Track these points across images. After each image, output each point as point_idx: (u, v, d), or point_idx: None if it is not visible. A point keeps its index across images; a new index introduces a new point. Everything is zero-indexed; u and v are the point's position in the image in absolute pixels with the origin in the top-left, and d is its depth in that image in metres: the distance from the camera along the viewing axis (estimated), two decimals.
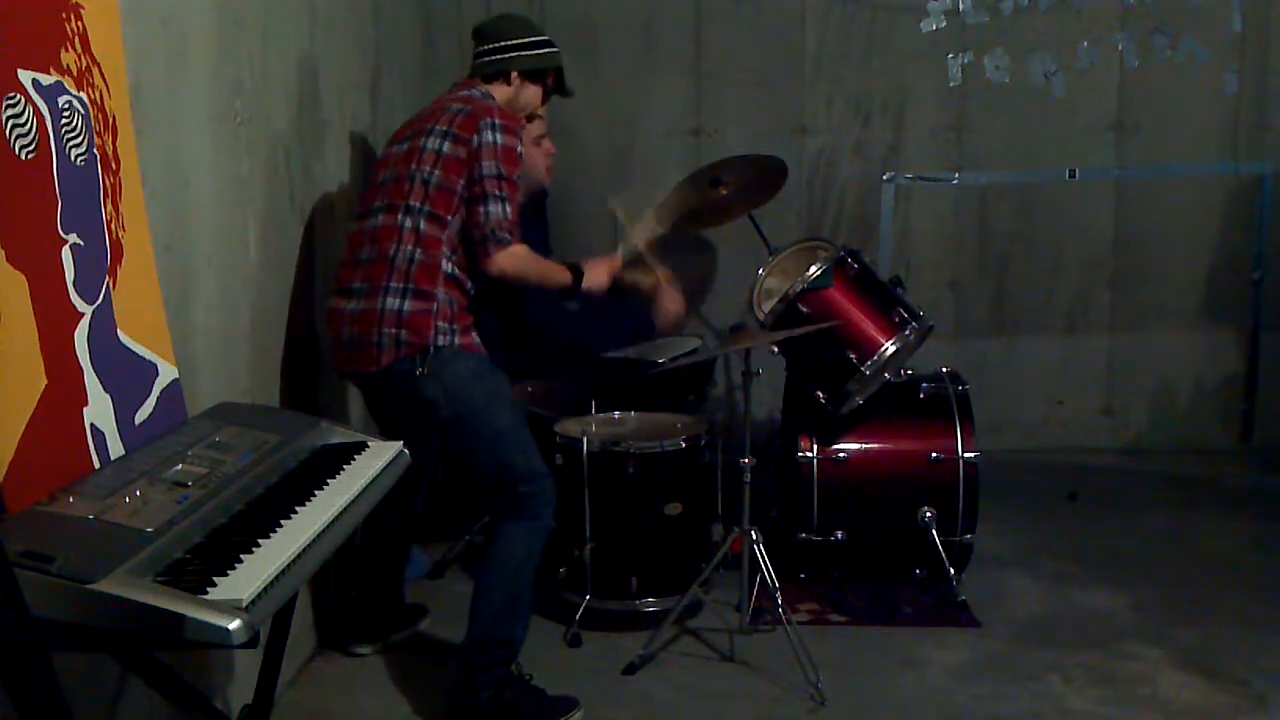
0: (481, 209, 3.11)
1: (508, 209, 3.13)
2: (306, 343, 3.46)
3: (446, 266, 3.12)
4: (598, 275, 3.43)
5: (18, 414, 1.86)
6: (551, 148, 4.02)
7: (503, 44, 3.40)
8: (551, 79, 3.49)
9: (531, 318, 4.03)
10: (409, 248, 3.10)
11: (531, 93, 3.45)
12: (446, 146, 3.13)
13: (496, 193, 3.11)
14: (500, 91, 3.38)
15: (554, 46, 3.47)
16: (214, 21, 2.83)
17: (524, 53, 3.41)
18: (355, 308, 3.13)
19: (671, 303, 3.64)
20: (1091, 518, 4.67)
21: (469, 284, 3.19)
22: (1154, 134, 5.33)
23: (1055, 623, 3.72)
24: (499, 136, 3.13)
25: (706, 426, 3.80)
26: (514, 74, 3.40)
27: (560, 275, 3.34)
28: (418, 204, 3.12)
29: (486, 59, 3.41)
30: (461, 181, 3.12)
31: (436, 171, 3.12)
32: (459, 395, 3.10)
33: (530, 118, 3.49)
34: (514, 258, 3.15)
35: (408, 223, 3.12)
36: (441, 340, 3.08)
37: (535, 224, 3.94)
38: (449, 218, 3.12)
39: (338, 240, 3.64)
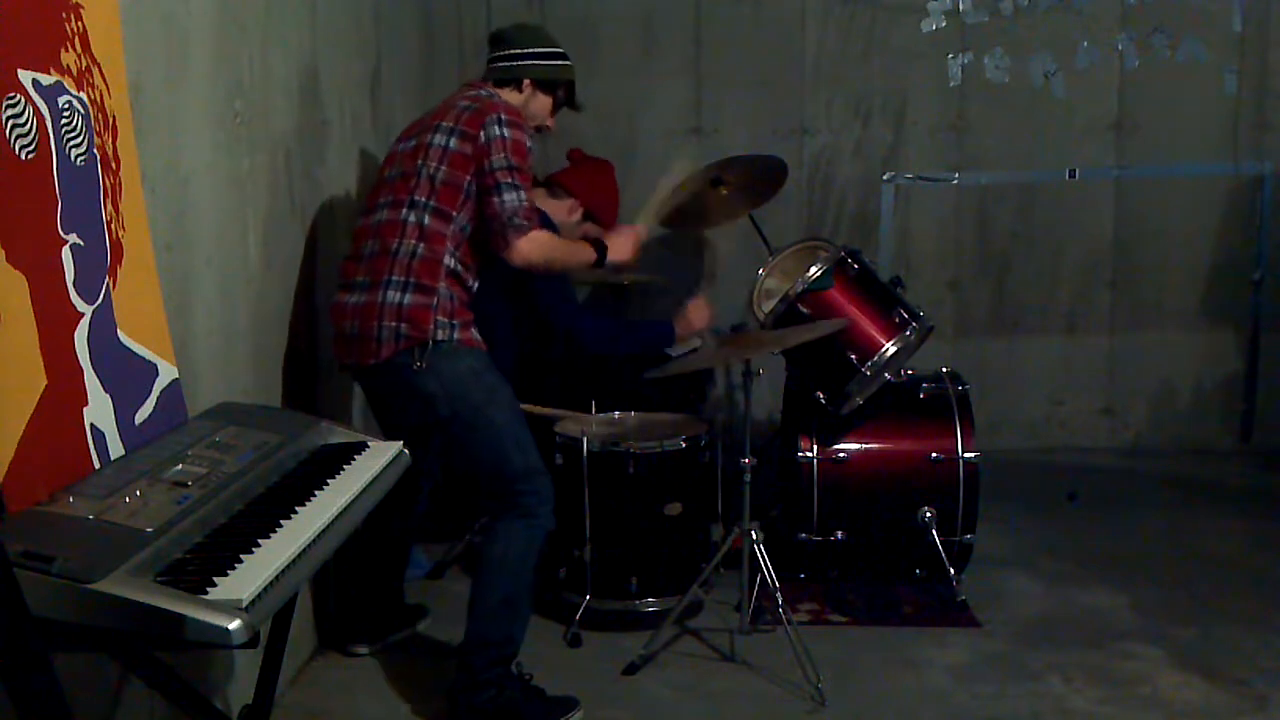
0: (496, 198, 3.10)
1: (522, 196, 3.11)
2: (306, 343, 3.46)
3: (449, 262, 3.11)
4: (621, 248, 3.44)
5: (18, 414, 1.86)
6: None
7: (517, 51, 3.39)
8: (563, 91, 3.47)
9: (545, 311, 3.95)
10: (412, 242, 3.10)
11: (542, 102, 3.42)
12: (453, 142, 3.13)
13: (509, 181, 3.10)
14: (511, 97, 3.35)
15: (568, 60, 3.46)
16: (214, 21, 2.83)
17: (537, 61, 3.40)
18: (357, 300, 3.14)
19: (698, 314, 3.80)
20: (1091, 518, 4.66)
21: (471, 281, 3.19)
22: (1154, 134, 5.33)
23: (1055, 623, 3.72)
24: (506, 130, 3.13)
25: (706, 426, 3.80)
26: (526, 81, 3.38)
27: (584, 254, 3.33)
28: (423, 199, 3.12)
29: (500, 64, 3.40)
30: (468, 177, 3.12)
31: (443, 167, 3.12)
32: (456, 391, 3.10)
33: (540, 128, 3.47)
34: (536, 243, 3.14)
35: (412, 217, 3.12)
36: (440, 335, 3.07)
37: None
38: (454, 213, 3.12)
39: (338, 240, 3.64)
